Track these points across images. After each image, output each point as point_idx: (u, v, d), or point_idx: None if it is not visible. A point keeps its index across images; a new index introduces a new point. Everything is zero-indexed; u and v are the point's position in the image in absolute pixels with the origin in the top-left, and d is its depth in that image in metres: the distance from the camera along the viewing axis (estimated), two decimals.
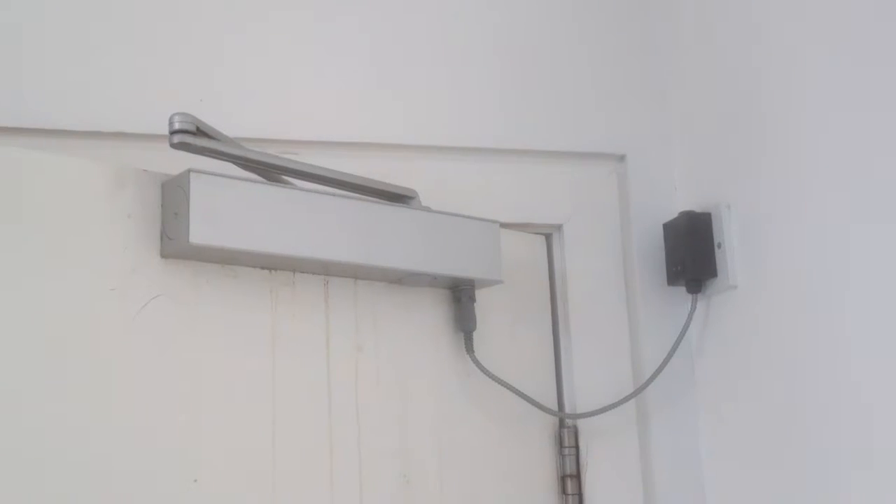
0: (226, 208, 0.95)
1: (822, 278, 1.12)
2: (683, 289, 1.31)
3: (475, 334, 1.21)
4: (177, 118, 0.94)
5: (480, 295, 1.22)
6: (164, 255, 0.97)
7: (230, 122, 1.10)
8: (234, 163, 1.02)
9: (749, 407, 1.22)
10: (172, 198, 0.95)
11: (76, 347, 0.91)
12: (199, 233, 0.92)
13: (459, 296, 1.19)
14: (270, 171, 1.06)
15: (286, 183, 1.08)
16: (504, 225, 1.28)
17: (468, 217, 1.17)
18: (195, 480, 0.94)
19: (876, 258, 1.06)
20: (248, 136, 1.12)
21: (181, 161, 1.05)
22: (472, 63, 1.30)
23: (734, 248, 1.27)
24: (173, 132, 0.94)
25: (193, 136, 0.95)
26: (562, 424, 1.27)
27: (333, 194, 1.06)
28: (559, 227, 1.32)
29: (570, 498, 1.25)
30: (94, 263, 0.93)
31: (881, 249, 1.05)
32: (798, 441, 1.14)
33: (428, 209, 1.15)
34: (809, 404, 1.13)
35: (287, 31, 1.21)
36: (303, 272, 1.07)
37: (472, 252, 1.15)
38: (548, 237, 1.34)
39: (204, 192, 0.93)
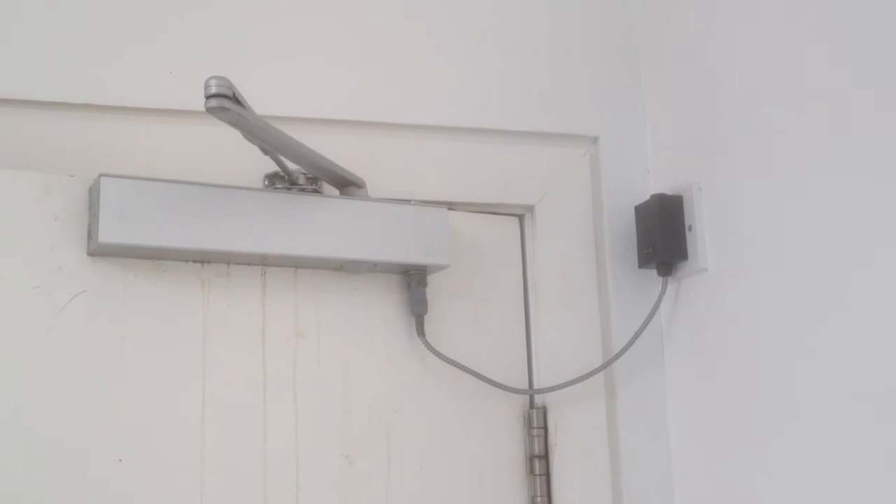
0: (136, 208, 1.01)
1: (793, 261, 1.10)
2: (654, 271, 1.30)
3: (438, 318, 1.24)
4: (213, 81, 0.91)
5: (446, 278, 1.25)
6: (91, 253, 1.05)
7: (198, 94, 1.13)
8: (252, 136, 1.02)
9: (717, 388, 1.21)
10: (93, 200, 1.03)
11: None
12: (108, 231, 0.99)
13: (410, 280, 1.22)
14: (280, 149, 1.07)
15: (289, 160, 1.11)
16: (476, 205, 1.30)
17: (412, 203, 1.19)
18: (119, 460, 1.03)
19: (847, 241, 1.03)
20: None
21: (152, 132, 1.13)
22: (446, 42, 1.30)
23: (705, 230, 1.26)
24: (210, 96, 0.91)
25: (230, 102, 0.92)
26: (531, 405, 1.29)
27: (260, 189, 1.11)
28: (531, 209, 1.33)
29: (537, 479, 1.27)
30: (18, 264, 1.02)
31: (853, 232, 1.03)
32: (766, 422, 1.13)
33: (368, 198, 1.18)
34: (776, 385, 1.12)
35: (259, 5, 1.22)
36: (238, 264, 1.13)
37: (416, 238, 1.17)
38: (520, 218, 1.34)
39: (113, 193, 1.00)
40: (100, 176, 1.01)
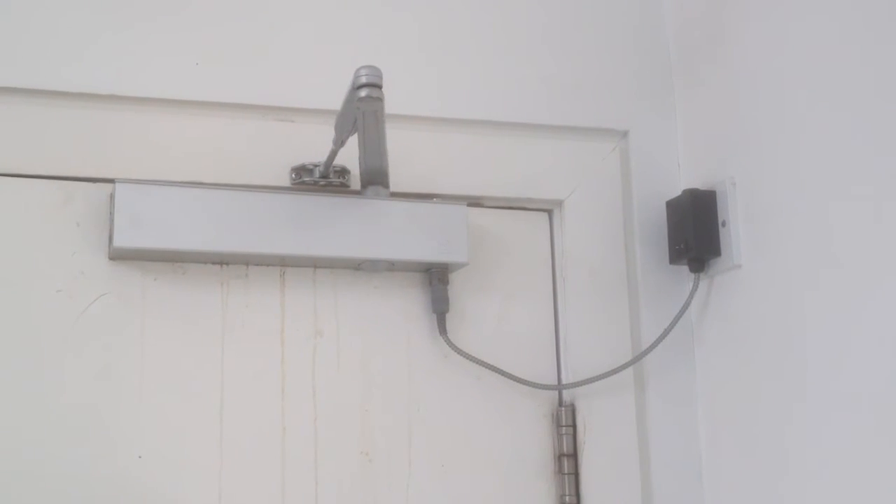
0: (151, 212, 1.04)
1: (830, 257, 1.08)
2: (686, 268, 1.28)
3: (463, 316, 1.24)
4: (365, 71, 0.93)
5: (472, 275, 1.25)
6: (112, 257, 1.09)
7: (225, 85, 1.17)
8: (361, 125, 1.02)
9: (749, 387, 1.19)
10: (112, 206, 1.05)
11: (22, 342, 1.05)
12: (123, 236, 1.02)
13: (431, 278, 1.22)
14: (368, 143, 1.09)
15: None
16: (505, 200, 1.29)
17: (430, 202, 1.19)
18: (139, 457, 1.06)
19: (887, 237, 1.01)
20: (242, 101, 1.17)
21: (177, 124, 1.14)
22: (475, 35, 1.29)
23: (739, 226, 1.22)
24: (362, 85, 0.92)
25: (381, 91, 0.93)
26: (560, 403, 1.28)
27: (275, 191, 1.12)
28: (560, 204, 1.31)
29: (566, 477, 1.25)
30: (41, 269, 1.06)
31: (891, 228, 1.00)
32: (799, 422, 1.11)
33: (386, 197, 1.17)
34: (809, 383, 1.09)
35: None
36: (257, 265, 1.15)
37: (434, 236, 1.17)
38: (549, 213, 1.32)
39: (128, 198, 1.03)
40: (115, 181, 1.03)
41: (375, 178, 1.17)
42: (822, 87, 1.09)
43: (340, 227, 1.13)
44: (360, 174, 1.17)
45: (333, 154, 1.12)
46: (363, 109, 0.96)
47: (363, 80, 0.92)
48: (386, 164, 1.14)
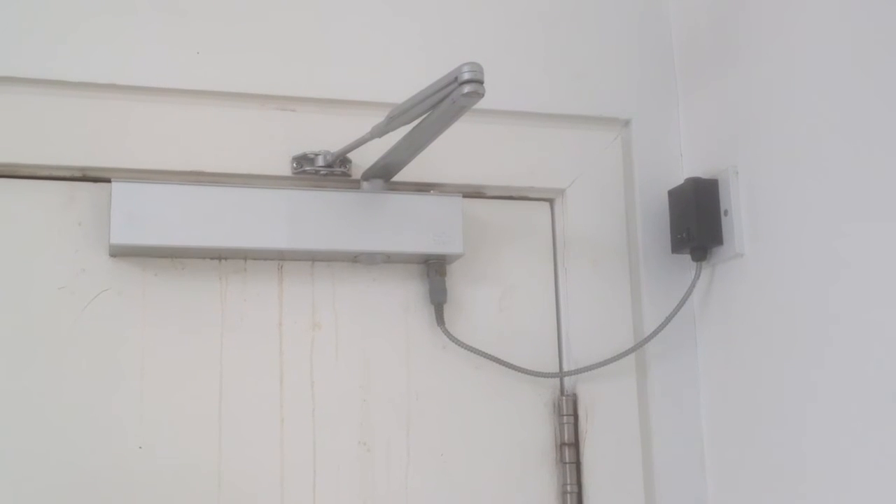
0: (148, 210, 1.06)
1: (832, 247, 1.07)
2: (688, 256, 1.27)
3: (463, 306, 1.25)
4: (468, 67, 0.93)
5: (474, 265, 1.26)
6: (113, 255, 1.12)
7: (226, 74, 1.18)
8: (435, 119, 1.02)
9: (751, 375, 1.19)
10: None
11: (26, 337, 1.08)
12: (120, 233, 1.05)
13: (428, 269, 1.23)
14: (415, 140, 1.09)
15: None
16: (506, 190, 1.29)
17: (427, 193, 1.20)
18: (140, 447, 1.09)
19: (890, 228, 1.00)
20: (244, 90, 1.18)
21: (179, 113, 1.16)
22: (475, 23, 1.29)
23: (741, 215, 1.22)
24: (467, 81, 0.93)
25: (484, 88, 0.94)
26: (562, 392, 1.29)
27: (270, 187, 1.14)
28: (562, 193, 1.30)
29: (568, 466, 1.26)
30: (44, 267, 1.10)
31: (892, 218, 1.00)
32: (800, 410, 1.11)
33: (381, 189, 1.18)
34: (810, 371, 1.09)
35: None
36: (255, 259, 1.17)
37: (429, 228, 1.18)
38: (551, 203, 1.32)
39: (125, 197, 1.06)
40: (111, 181, 1.05)
41: (382, 172, 1.18)
42: (824, 76, 1.08)
43: (337, 220, 1.14)
44: (373, 165, 1.18)
45: (363, 142, 1.13)
46: (460, 105, 0.97)
47: (467, 76, 0.93)
48: (407, 162, 1.15)
